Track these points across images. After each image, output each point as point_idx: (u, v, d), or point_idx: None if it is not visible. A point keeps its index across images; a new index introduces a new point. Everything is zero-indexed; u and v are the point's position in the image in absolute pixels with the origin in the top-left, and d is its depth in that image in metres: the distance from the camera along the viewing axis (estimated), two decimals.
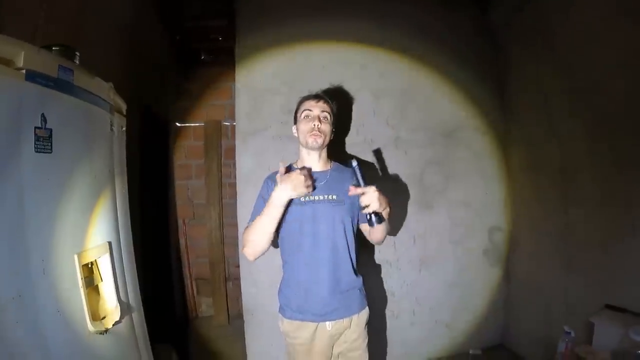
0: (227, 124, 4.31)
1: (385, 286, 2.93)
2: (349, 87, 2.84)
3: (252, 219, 1.81)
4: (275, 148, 2.77)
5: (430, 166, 3.01)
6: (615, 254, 2.28)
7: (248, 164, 2.76)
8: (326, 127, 1.83)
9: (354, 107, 2.86)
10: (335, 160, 2.00)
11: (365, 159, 2.85)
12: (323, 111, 1.83)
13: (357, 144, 2.86)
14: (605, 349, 2.09)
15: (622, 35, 2.15)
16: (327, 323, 1.77)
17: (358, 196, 1.75)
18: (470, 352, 3.07)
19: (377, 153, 2.82)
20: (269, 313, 2.74)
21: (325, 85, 2.78)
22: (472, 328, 3.12)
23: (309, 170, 1.76)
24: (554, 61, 2.64)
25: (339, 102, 2.76)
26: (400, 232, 2.95)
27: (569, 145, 2.59)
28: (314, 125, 1.80)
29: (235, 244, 3.04)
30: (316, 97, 1.87)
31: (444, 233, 3.05)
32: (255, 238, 1.72)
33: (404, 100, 2.97)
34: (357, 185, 1.64)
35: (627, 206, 2.21)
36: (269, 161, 2.74)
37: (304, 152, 1.89)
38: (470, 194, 3.10)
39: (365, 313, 1.88)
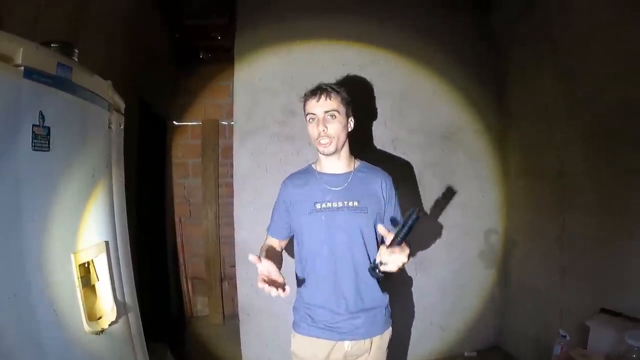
0: (224, 123, 4.29)
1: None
2: (347, 87, 2.83)
3: (271, 222, 1.76)
4: (273, 148, 2.76)
5: (428, 168, 3.01)
6: (611, 258, 2.29)
7: (245, 164, 2.76)
8: (335, 128, 1.58)
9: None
10: (362, 159, 1.78)
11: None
12: (327, 110, 1.58)
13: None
14: (600, 353, 2.10)
15: (623, 42, 2.16)
16: (346, 343, 1.60)
17: (384, 204, 1.66)
18: (465, 354, 3.08)
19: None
20: (265, 313, 2.74)
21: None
22: (467, 330, 3.13)
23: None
24: (554, 65, 2.64)
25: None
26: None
27: (567, 149, 2.60)
28: (320, 131, 1.57)
29: (231, 243, 3.02)
30: (316, 93, 1.60)
31: (440, 235, 3.05)
32: None
33: (403, 101, 2.96)
34: (399, 233, 1.29)
35: (624, 211, 2.22)
36: (267, 161, 2.74)
37: (320, 154, 1.67)
38: (467, 196, 3.09)
39: (388, 333, 1.71)
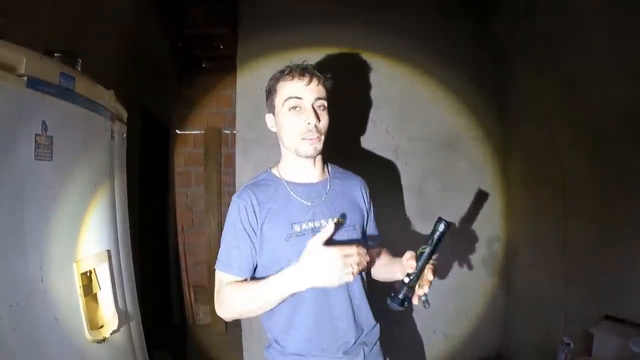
0: (227, 132, 4.31)
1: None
2: (348, 95, 2.84)
3: (232, 257, 1.22)
4: (276, 158, 2.75)
5: (429, 176, 3.00)
6: (614, 264, 2.27)
7: (248, 173, 2.75)
8: (325, 122, 1.25)
9: (353, 116, 2.86)
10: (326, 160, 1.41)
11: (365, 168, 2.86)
12: (319, 98, 1.23)
13: (356, 153, 2.85)
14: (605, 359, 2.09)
15: (624, 46, 2.16)
16: None
17: (365, 215, 1.38)
18: None
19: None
20: None
21: None
22: (471, 338, 3.10)
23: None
24: (555, 71, 2.64)
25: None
26: (398, 242, 2.93)
27: (568, 156, 2.59)
28: (310, 124, 1.20)
29: None
30: (304, 74, 1.23)
31: (442, 243, 3.02)
32: (242, 310, 1.20)
33: (403, 109, 2.96)
34: (432, 252, 1.13)
35: (627, 217, 2.21)
36: None
37: (289, 157, 1.32)
38: (469, 204, 3.08)
39: None
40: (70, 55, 1.47)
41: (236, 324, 3.24)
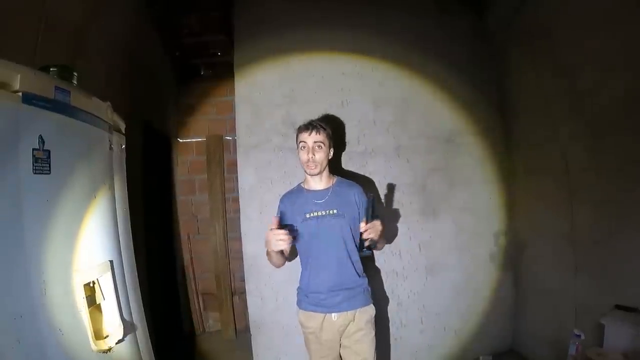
0: (228, 138, 4.32)
1: (392, 295, 2.90)
2: (348, 97, 2.85)
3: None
4: (277, 161, 2.77)
5: (432, 173, 3.00)
6: (623, 253, 2.25)
7: (250, 178, 2.77)
8: (320, 155, 2.05)
9: (354, 116, 2.87)
10: (337, 174, 2.25)
11: (367, 167, 2.85)
12: (316, 141, 2.04)
13: (358, 153, 2.85)
14: (617, 350, 2.07)
15: (621, 33, 2.14)
16: (333, 315, 2.04)
17: (358, 209, 2.11)
18: (481, 358, 3.03)
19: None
20: (276, 327, 2.73)
21: (325, 95, 2.80)
22: (482, 334, 3.08)
23: (279, 224, 1.93)
24: (553, 61, 2.63)
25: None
26: (405, 240, 2.93)
27: (571, 146, 2.58)
28: (309, 157, 2.04)
29: (240, 257, 3.02)
30: (308, 128, 2.07)
31: (449, 240, 3.02)
32: (271, 263, 2.12)
33: (403, 108, 2.96)
34: (367, 215, 1.90)
35: (633, 205, 2.19)
36: (271, 174, 2.75)
37: (306, 175, 2.14)
38: (474, 199, 3.07)
39: (369, 309, 2.12)
40: (66, 69, 1.48)
41: (246, 329, 3.25)
